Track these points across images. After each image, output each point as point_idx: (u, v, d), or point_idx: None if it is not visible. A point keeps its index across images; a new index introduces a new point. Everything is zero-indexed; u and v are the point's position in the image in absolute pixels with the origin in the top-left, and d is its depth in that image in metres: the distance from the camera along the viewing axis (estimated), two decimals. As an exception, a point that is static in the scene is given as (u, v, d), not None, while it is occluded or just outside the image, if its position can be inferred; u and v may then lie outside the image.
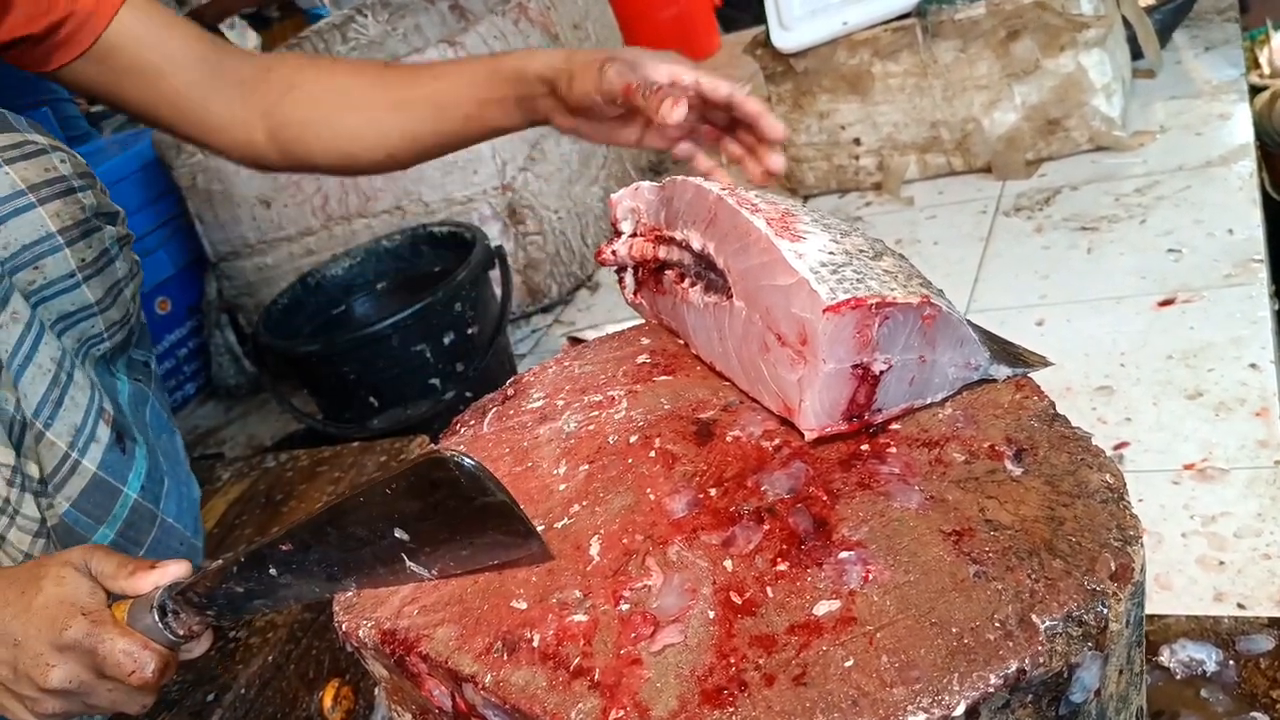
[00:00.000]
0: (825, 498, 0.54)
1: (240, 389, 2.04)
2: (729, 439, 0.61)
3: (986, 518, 0.50)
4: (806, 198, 1.91)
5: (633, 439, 0.64)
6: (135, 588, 0.65)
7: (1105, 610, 0.45)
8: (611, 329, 0.90)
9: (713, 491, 0.57)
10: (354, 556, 0.58)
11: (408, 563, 0.57)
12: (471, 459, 0.51)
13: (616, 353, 0.76)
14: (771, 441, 0.59)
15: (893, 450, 0.56)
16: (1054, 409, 0.57)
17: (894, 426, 0.58)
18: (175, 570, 0.66)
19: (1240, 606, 0.85)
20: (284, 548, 0.58)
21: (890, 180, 1.80)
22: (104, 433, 0.81)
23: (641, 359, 0.74)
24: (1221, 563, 0.90)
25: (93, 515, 0.81)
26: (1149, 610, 0.85)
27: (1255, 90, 1.95)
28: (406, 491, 0.53)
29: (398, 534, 0.55)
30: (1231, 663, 0.78)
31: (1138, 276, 1.33)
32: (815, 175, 1.88)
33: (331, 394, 1.59)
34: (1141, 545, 0.48)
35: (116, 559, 0.66)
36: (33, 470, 0.75)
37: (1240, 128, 1.58)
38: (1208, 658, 0.79)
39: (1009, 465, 0.53)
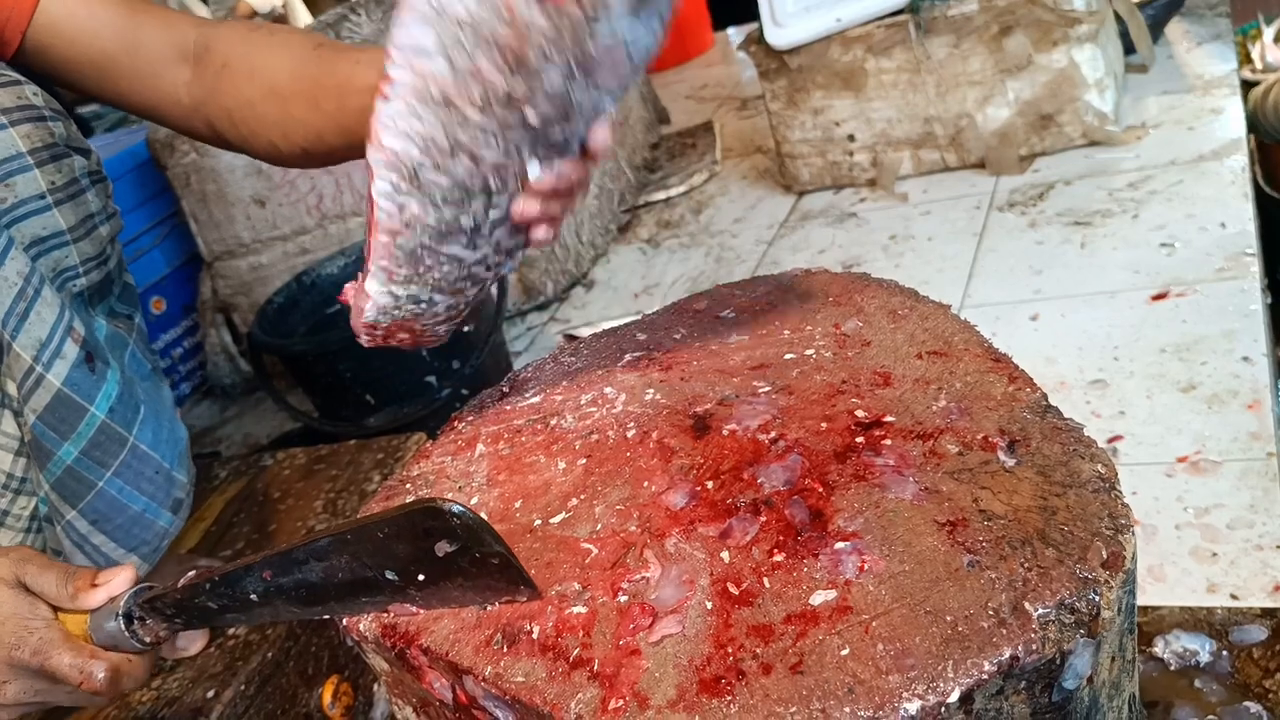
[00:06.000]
0: (821, 489, 0.54)
1: (236, 388, 2.04)
2: (725, 432, 0.61)
3: (980, 508, 0.51)
4: (801, 194, 1.92)
5: (630, 433, 0.64)
6: (85, 605, 0.63)
7: (1097, 598, 0.45)
8: (607, 326, 0.90)
9: (709, 484, 0.57)
10: (336, 589, 0.56)
11: (394, 600, 0.56)
12: (468, 510, 0.50)
13: (612, 349, 0.77)
14: (768, 434, 0.60)
15: (887, 442, 0.57)
16: (1046, 401, 0.58)
17: (888, 419, 0.58)
18: (119, 583, 0.64)
19: (1233, 597, 0.86)
20: (265, 575, 0.57)
21: (884, 176, 1.80)
22: (71, 350, 0.81)
23: (637, 354, 0.74)
24: (1214, 554, 0.90)
25: (58, 431, 0.81)
26: (1143, 602, 0.86)
27: (1247, 85, 1.96)
28: (398, 536, 0.52)
29: (388, 575, 0.54)
30: (1225, 653, 0.78)
31: (1131, 271, 1.33)
32: (810, 172, 1.88)
33: (327, 392, 1.59)
34: (1133, 534, 0.48)
35: (53, 574, 0.64)
36: (10, 389, 0.75)
37: (1232, 122, 1.59)
38: (1201, 648, 0.79)
39: (1002, 456, 0.54)
